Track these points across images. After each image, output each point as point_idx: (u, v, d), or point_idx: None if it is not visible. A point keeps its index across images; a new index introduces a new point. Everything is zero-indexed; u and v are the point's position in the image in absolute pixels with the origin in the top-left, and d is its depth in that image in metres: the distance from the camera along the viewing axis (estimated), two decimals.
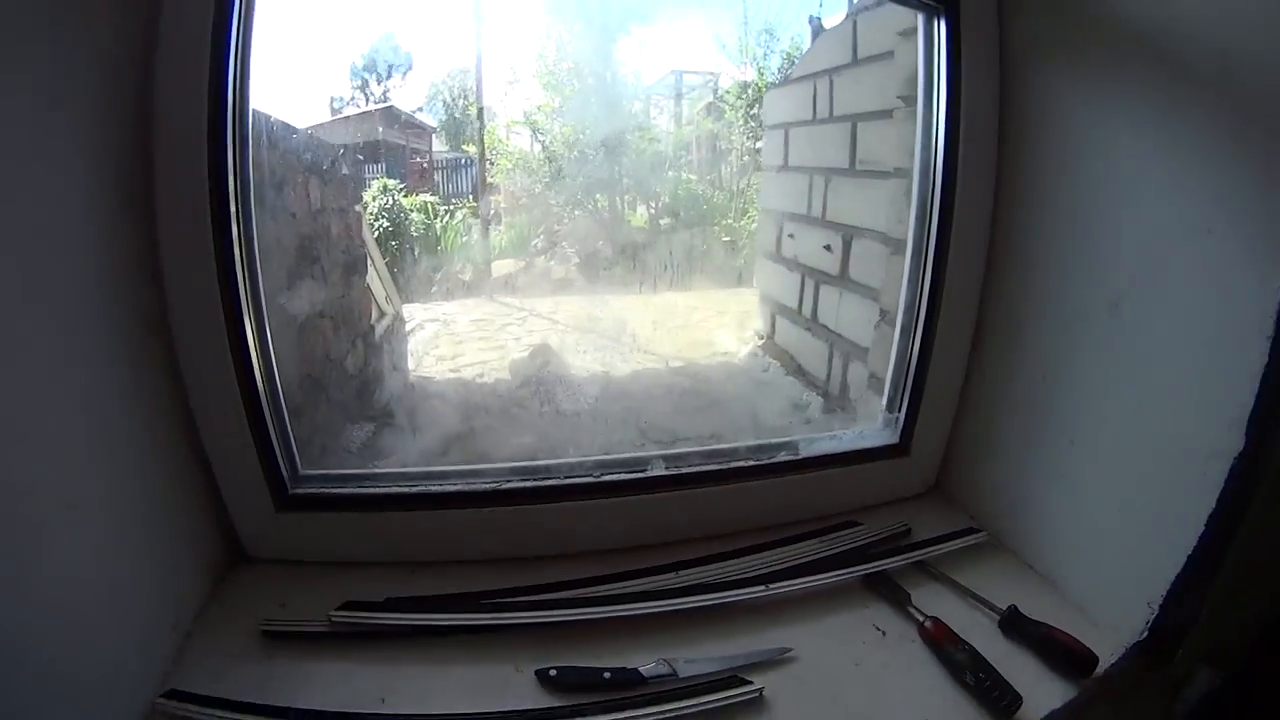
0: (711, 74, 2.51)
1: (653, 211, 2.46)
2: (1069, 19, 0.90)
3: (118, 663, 0.71)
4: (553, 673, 0.79)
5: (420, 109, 2.66)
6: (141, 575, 0.77)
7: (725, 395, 1.57)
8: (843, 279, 1.56)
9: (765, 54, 2.27)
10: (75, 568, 0.66)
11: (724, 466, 1.01)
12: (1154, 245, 0.81)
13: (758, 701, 0.77)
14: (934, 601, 0.91)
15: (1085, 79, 0.89)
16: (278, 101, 0.86)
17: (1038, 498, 0.98)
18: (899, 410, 1.09)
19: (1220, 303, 0.74)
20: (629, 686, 0.78)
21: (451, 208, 2.49)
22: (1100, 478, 0.89)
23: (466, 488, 0.95)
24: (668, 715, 0.74)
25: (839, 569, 0.94)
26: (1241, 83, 0.70)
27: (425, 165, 2.60)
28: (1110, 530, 0.87)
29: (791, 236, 1.79)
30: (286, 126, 1.28)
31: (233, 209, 0.82)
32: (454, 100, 2.60)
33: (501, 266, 2.44)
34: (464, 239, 2.42)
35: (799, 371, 1.73)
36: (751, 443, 1.04)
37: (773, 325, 1.95)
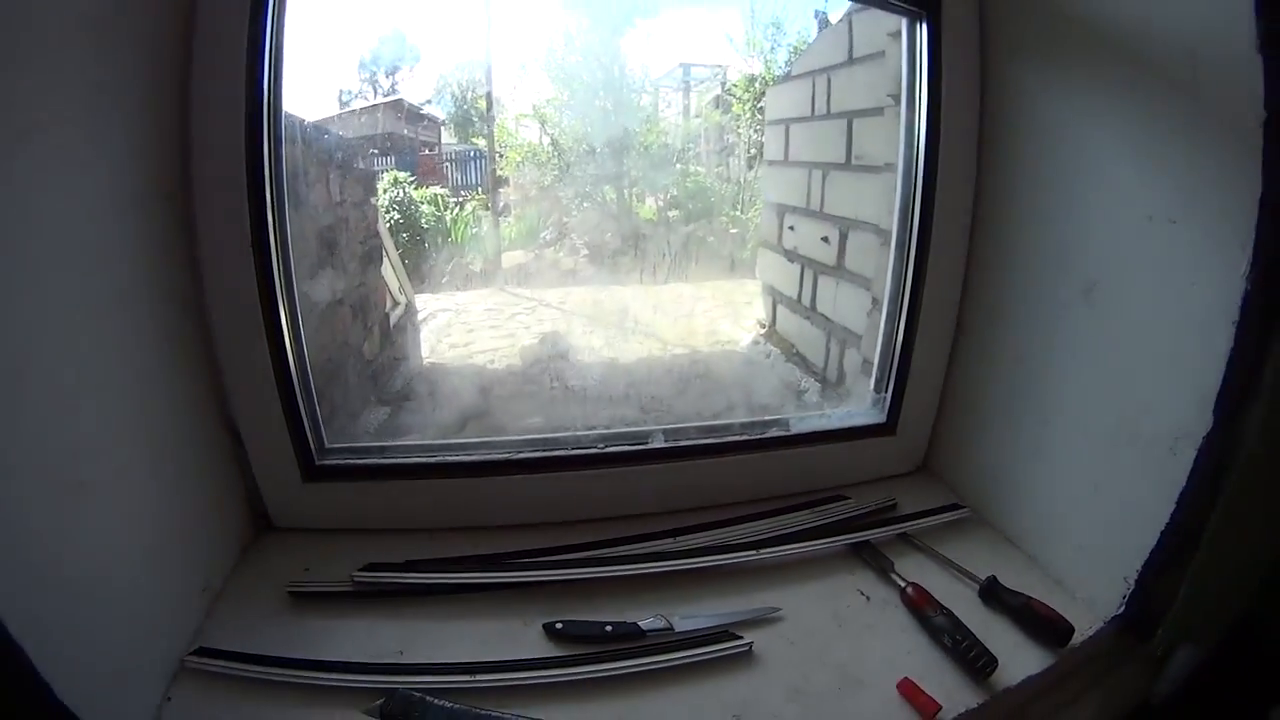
0: (719, 67, 2.54)
1: (661, 204, 2.51)
2: (1046, 21, 0.95)
3: (151, 622, 0.76)
4: (559, 626, 0.87)
5: (428, 101, 2.70)
6: (174, 541, 0.83)
7: (727, 380, 1.66)
8: (839, 269, 1.64)
9: (772, 47, 2.32)
10: (113, 532, 0.72)
11: (719, 440, 1.10)
12: (1124, 235, 0.85)
13: (747, 655, 0.85)
14: (916, 570, 0.97)
15: (1060, 78, 0.94)
16: (289, 96, 0.93)
17: (1018, 476, 1.04)
18: (885, 391, 1.17)
19: (1187, 289, 0.78)
20: (629, 639, 0.86)
21: (461, 200, 2.56)
22: (1076, 457, 0.94)
23: (482, 458, 1.04)
24: (664, 665, 0.82)
25: (826, 537, 1.02)
26: (1206, 81, 0.75)
27: (435, 158, 2.66)
28: (1087, 507, 0.92)
29: (792, 228, 1.87)
30: (313, 125, 1.38)
31: (268, 202, 0.90)
32: (462, 93, 2.64)
33: (511, 258, 2.50)
34: (474, 230, 2.48)
35: (799, 358, 1.82)
36: (745, 419, 1.12)
37: (774, 314, 2.03)
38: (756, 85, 2.37)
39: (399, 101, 2.55)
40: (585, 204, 2.41)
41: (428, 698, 0.73)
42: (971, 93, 1.05)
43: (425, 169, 2.58)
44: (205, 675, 0.79)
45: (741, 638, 0.85)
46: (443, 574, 0.94)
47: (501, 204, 2.52)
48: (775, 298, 2.03)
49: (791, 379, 1.72)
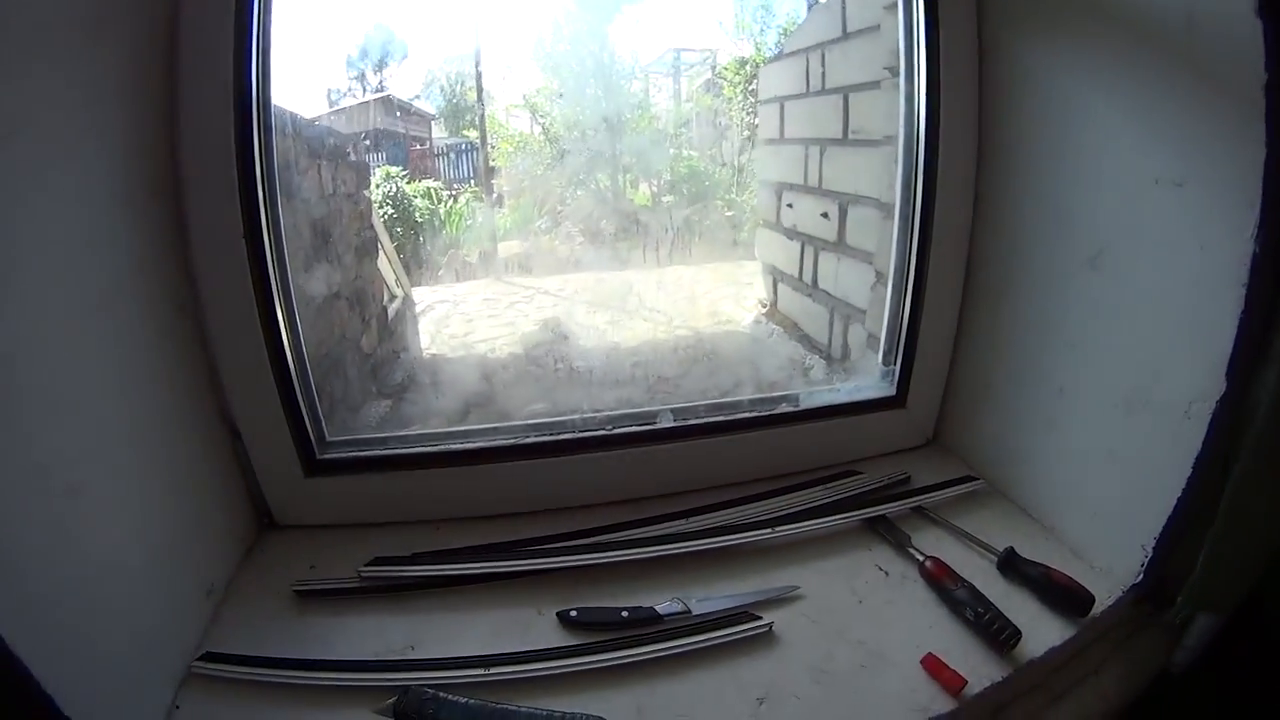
0: (709, 51, 2.52)
1: (655, 189, 2.48)
2: None
3: (154, 630, 0.74)
4: (573, 614, 0.84)
5: (418, 96, 2.68)
6: (175, 543, 0.81)
7: (730, 359, 1.63)
8: (840, 245, 1.61)
9: (762, 29, 2.29)
10: (111, 537, 0.69)
11: (729, 418, 1.07)
12: (1130, 200, 0.84)
13: (768, 636, 0.82)
14: (933, 544, 0.95)
15: (1058, 44, 0.92)
16: (279, 96, 0.91)
17: (1031, 446, 1.02)
18: (894, 363, 1.14)
19: (1196, 253, 0.76)
20: (646, 624, 0.83)
21: (454, 192, 2.53)
22: (1089, 425, 0.92)
23: (487, 444, 1.01)
24: (684, 649, 0.79)
25: (841, 513, 0.99)
26: (1206, 43, 0.73)
27: (426, 152, 2.63)
28: (1102, 476, 0.90)
29: (790, 206, 1.83)
30: (300, 117, 1.34)
31: (259, 193, 0.87)
32: (451, 86, 2.61)
33: (507, 248, 2.48)
34: (468, 222, 2.45)
35: (802, 336, 1.79)
36: (754, 395, 1.09)
37: (775, 292, 2.00)
38: (747, 68, 2.34)
39: (388, 98, 2.52)
40: (579, 191, 2.39)
41: (441, 694, 0.71)
42: (970, 62, 1.02)
43: (417, 163, 2.55)
44: (213, 681, 0.76)
45: (761, 618, 0.83)
46: (451, 565, 0.91)
47: (495, 195, 2.49)
48: (776, 276, 1.99)
49: (796, 356, 1.69)
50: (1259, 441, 0.75)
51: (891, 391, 1.15)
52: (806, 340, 1.76)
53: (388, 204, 2.29)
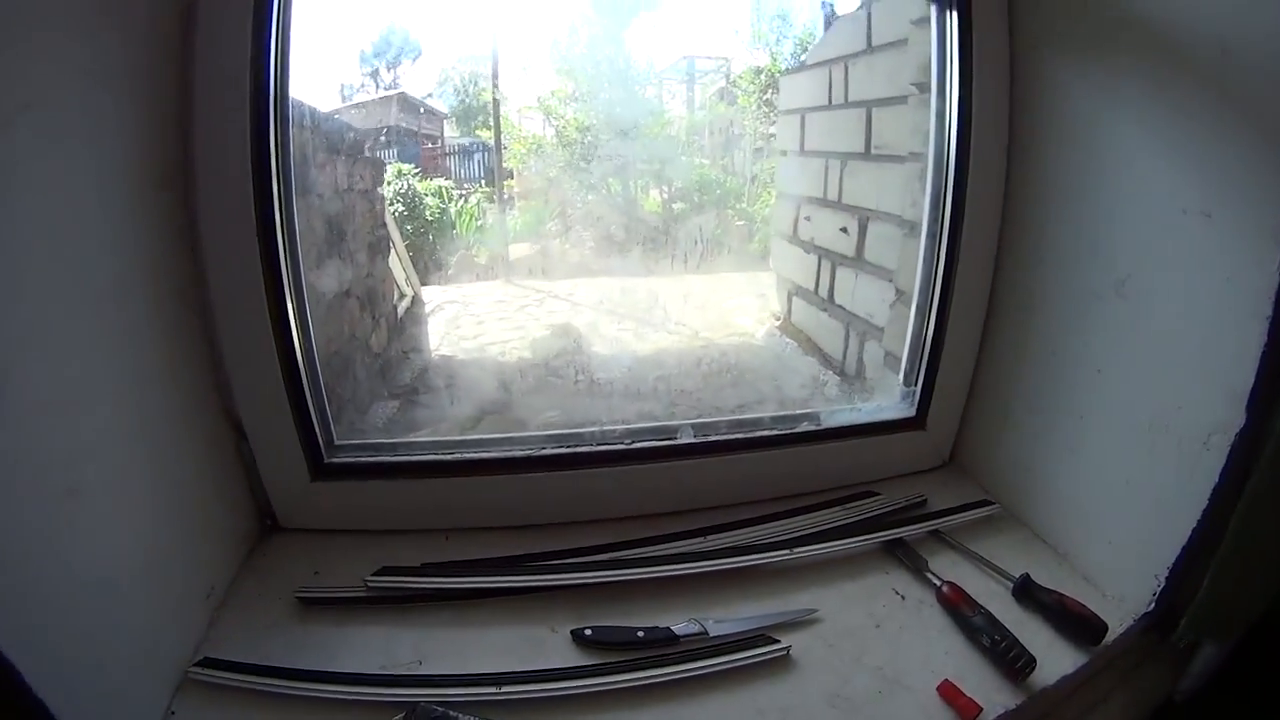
0: (724, 59, 2.50)
1: (665, 196, 2.46)
2: (1076, 10, 0.91)
3: (152, 632, 0.72)
4: (588, 632, 0.81)
5: (430, 95, 2.66)
6: (175, 544, 0.78)
7: (744, 372, 1.60)
8: (858, 260, 1.58)
9: (778, 39, 2.27)
10: (110, 537, 0.67)
11: (750, 435, 1.04)
12: (1157, 228, 0.82)
13: (785, 659, 0.80)
14: (949, 569, 0.93)
15: (1090, 67, 0.91)
16: (293, 90, 0.89)
17: (1048, 471, 1.00)
18: (915, 384, 1.12)
19: (1221, 284, 0.75)
20: (662, 645, 0.81)
21: (465, 192, 2.50)
22: (1108, 452, 0.90)
23: (502, 455, 0.98)
24: (700, 672, 0.77)
25: (859, 535, 0.97)
26: (1238, 75, 0.72)
27: (438, 150, 2.60)
28: (1118, 504, 0.89)
29: (808, 219, 1.81)
30: (318, 111, 1.31)
31: (275, 186, 0.84)
32: (465, 86, 2.59)
33: (517, 250, 2.45)
34: (479, 223, 2.43)
35: (816, 350, 1.76)
36: (776, 413, 1.07)
37: (789, 306, 1.97)
38: (762, 77, 2.32)
39: (402, 94, 2.50)
40: (590, 196, 2.36)
41: (450, 712, 0.68)
42: (1002, 82, 1.00)
43: (428, 161, 2.52)
44: (210, 687, 0.74)
45: (779, 641, 0.81)
46: (463, 578, 0.89)
47: (507, 196, 2.47)
48: (791, 289, 1.96)
49: (811, 371, 1.66)
50: (1271, 469, 0.74)
51: (911, 412, 1.13)
52: (820, 355, 1.74)
53: (398, 201, 2.26)
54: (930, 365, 1.10)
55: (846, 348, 1.60)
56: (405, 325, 1.83)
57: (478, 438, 1.01)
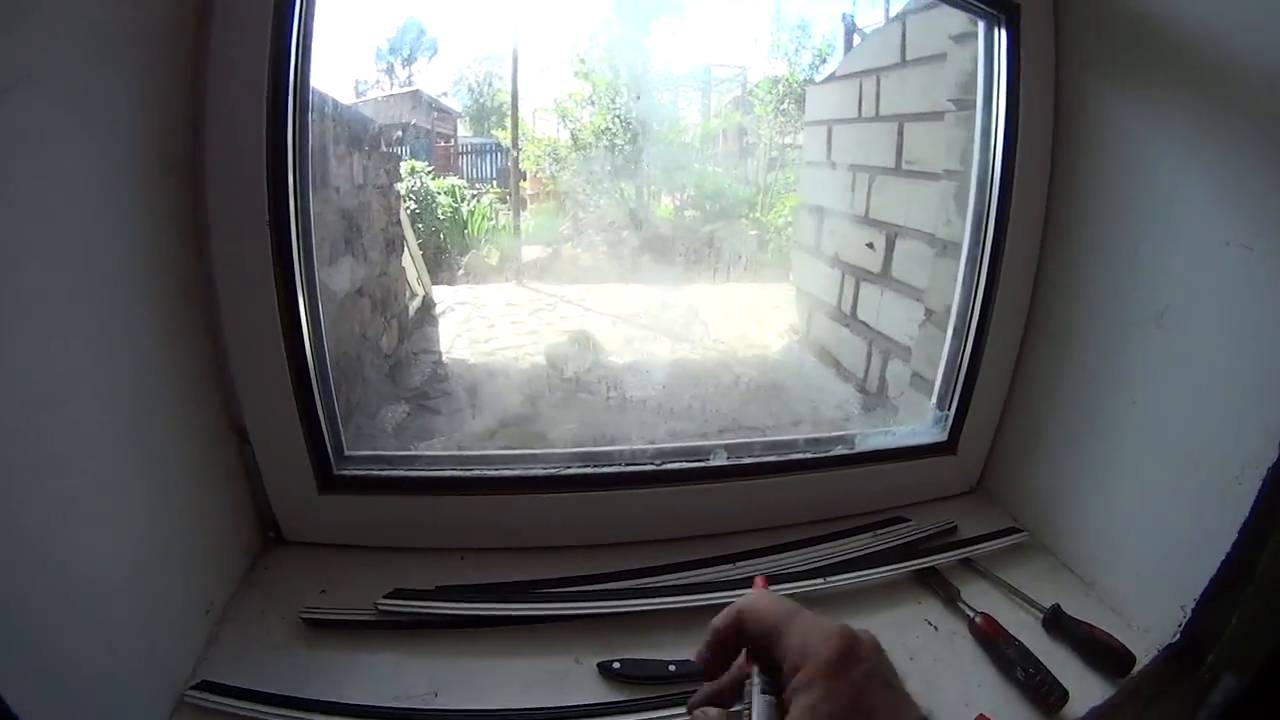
0: (741, 68, 2.46)
1: (678, 203, 2.42)
2: (1122, 36, 0.88)
3: (145, 649, 0.66)
4: (616, 665, 0.75)
5: (445, 94, 2.61)
6: (172, 556, 0.72)
7: (763, 389, 1.54)
8: (884, 277, 1.54)
9: (797, 49, 2.23)
10: (101, 550, 0.61)
11: (783, 458, 0.99)
12: (1199, 260, 0.80)
13: None
14: (980, 598, 0.89)
15: (1135, 95, 0.88)
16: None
17: (1079, 500, 0.97)
18: (948, 408, 1.07)
19: (1260, 318, 0.74)
20: (694, 679, 0.74)
21: (477, 192, 2.46)
22: (1140, 483, 0.88)
23: (524, 472, 0.92)
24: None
25: (891, 563, 0.93)
26: None
27: (451, 149, 2.56)
28: (1147, 534, 0.86)
29: (832, 232, 1.75)
30: (339, 102, 1.25)
31: (290, 176, 0.78)
32: (479, 85, 2.56)
33: (529, 252, 2.40)
34: (491, 223, 2.38)
35: (836, 366, 1.71)
36: (810, 435, 1.01)
37: (809, 320, 1.92)
38: (780, 87, 2.28)
39: (416, 92, 2.46)
40: (602, 200, 2.32)
41: None
42: (1046, 103, 0.97)
43: (441, 160, 2.49)
44: (207, 713, 0.67)
45: None
46: (481, 604, 0.82)
47: (520, 196, 2.42)
48: (811, 303, 1.90)
49: (831, 387, 1.60)
50: None
51: (944, 437, 1.08)
52: (841, 371, 1.68)
53: (410, 198, 2.21)
54: (965, 389, 1.05)
55: (868, 365, 1.55)
56: (416, 326, 1.77)
57: (498, 453, 0.95)
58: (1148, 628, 0.83)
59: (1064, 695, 0.74)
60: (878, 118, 1.58)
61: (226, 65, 0.72)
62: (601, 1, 2.24)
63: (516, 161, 2.38)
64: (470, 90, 2.60)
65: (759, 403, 1.33)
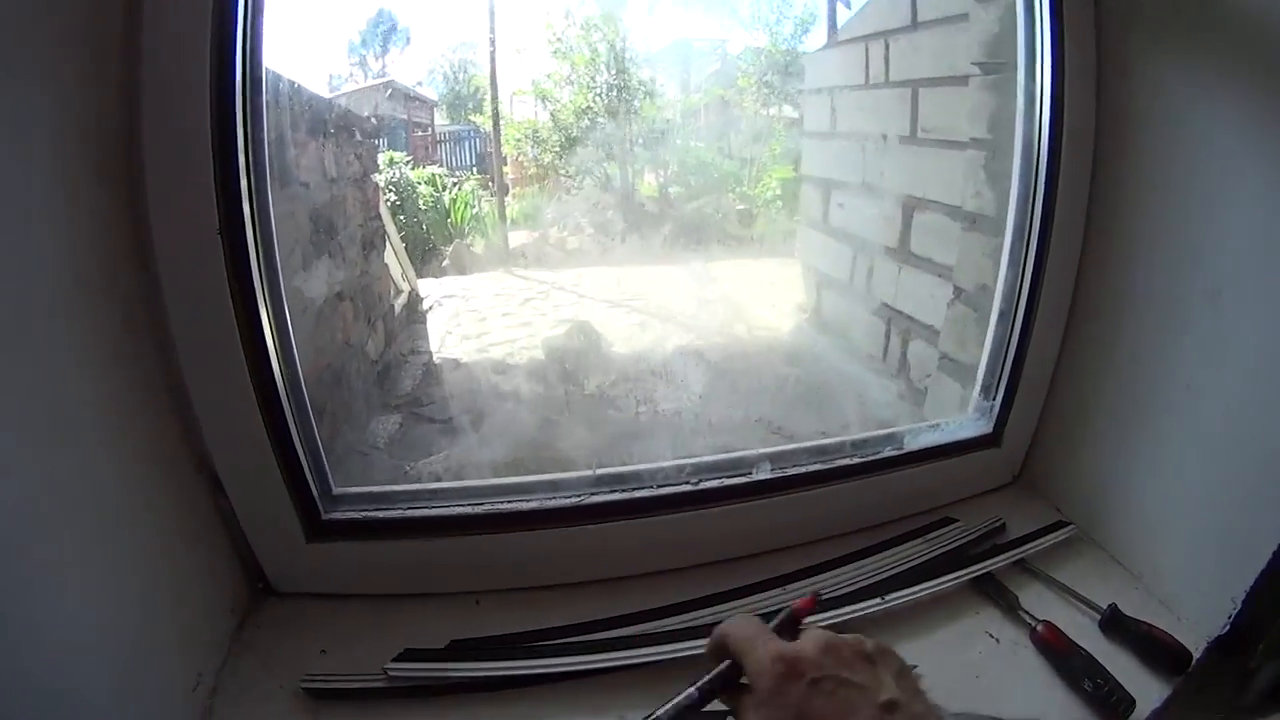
0: (720, 40, 2.32)
1: (662, 179, 2.29)
2: None
3: None
4: None
5: (420, 83, 2.53)
6: (148, 628, 0.60)
7: (772, 374, 1.41)
8: (902, 252, 1.41)
9: (778, 19, 2.09)
10: (68, 632, 0.51)
11: (829, 465, 0.87)
12: (1258, 238, 0.72)
13: None
14: (1037, 602, 0.81)
15: (1183, 58, 0.79)
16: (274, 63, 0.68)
17: (1129, 490, 0.88)
18: (994, 398, 0.96)
19: None
20: None
21: (459, 179, 2.32)
22: (1192, 471, 0.80)
23: (542, 504, 0.79)
24: None
25: (947, 573, 0.82)
26: None
27: (429, 138, 2.44)
28: (1197, 524, 0.80)
29: (841, 205, 1.61)
30: (301, 86, 1.07)
31: (242, 171, 0.64)
32: (455, 73, 2.46)
33: (515, 238, 2.25)
34: (474, 210, 2.24)
35: (848, 346, 1.57)
36: (856, 436, 0.89)
37: (818, 298, 1.77)
38: (762, 58, 2.14)
39: (391, 83, 2.37)
40: (586, 180, 2.18)
41: None
42: (1088, 66, 0.85)
43: (419, 149, 2.37)
44: None
45: None
46: (504, 663, 0.69)
47: (502, 181, 2.28)
48: (819, 280, 1.76)
49: (850, 372, 1.47)
50: None
51: (989, 429, 0.97)
52: (854, 351, 1.55)
53: (390, 190, 2.07)
54: (1012, 378, 0.94)
55: (887, 345, 1.42)
56: (403, 325, 1.60)
57: (509, 482, 0.80)
58: (1196, 619, 0.78)
59: (1131, 704, 0.68)
60: (888, 83, 1.44)
61: (161, 47, 0.59)
62: None
63: (499, 144, 2.23)
64: (445, 78, 2.50)
65: (764, 394, 1.20)
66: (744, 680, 0.41)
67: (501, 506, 0.78)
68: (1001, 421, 0.97)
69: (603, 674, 0.69)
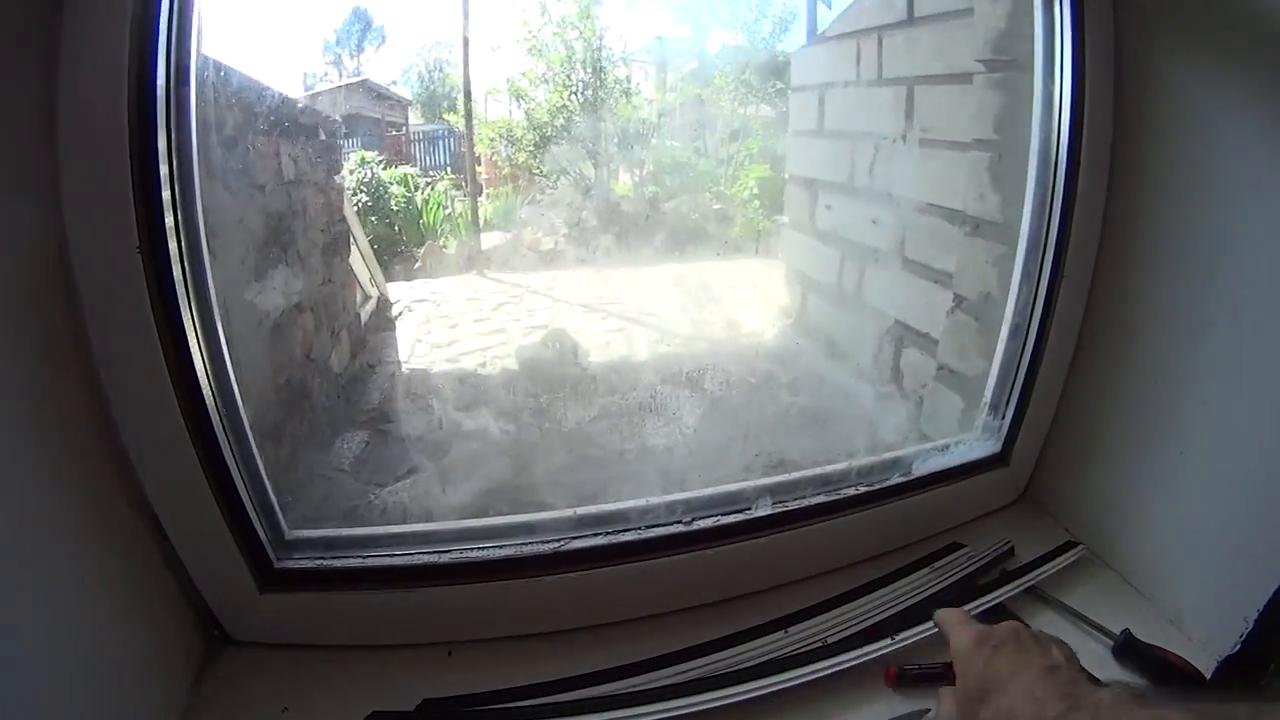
0: (698, 38, 2.23)
1: (637, 179, 2.20)
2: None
3: None
4: None
5: (394, 83, 2.44)
6: (94, 696, 0.53)
7: (749, 382, 1.31)
8: (896, 257, 1.32)
9: (756, 18, 2.00)
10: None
11: (835, 497, 0.79)
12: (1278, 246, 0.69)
13: None
14: (1049, 630, 0.71)
15: (1206, 64, 0.74)
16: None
17: (1141, 509, 0.83)
18: (1003, 416, 0.89)
19: None
20: None
21: (431, 179, 2.21)
22: (1207, 491, 0.76)
23: (517, 552, 0.69)
24: None
25: (957, 606, 0.72)
26: None
27: (402, 138, 2.33)
28: (1213, 543, 0.76)
29: (828, 208, 1.52)
30: (248, 78, 0.94)
31: (168, 190, 0.55)
32: (429, 72, 2.35)
33: (488, 239, 2.14)
34: (446, 211, 2.12)
35: (836, 353, 1.48)
36: (862, 463, 0.81)
37: (803, 303, 1.68)
38: (740, 57, 2.05)
39: (365, 82, 2.28)
40: (561, 180, 2.08)
41: None
42: (1107, 69, 0.79)
43: (392, 149, 2.26)
44: None
45: None
46: None
47: (476, 181, 2.17)
48: (805, 285, 1.67)
49: (830, 376, 1.38)
50: None
51: (997, 448, 0.90)
52: (841, 358, 1.45)
53: (362, 191, 1.94)
54: (1023, 396, 0.87)
55: (879, 352, 1.33)
56: (371, 332, 1.48)
57: (478, 525, 0.70)
58: (1207, 639, 0.74)
59: None
60: (880, 81, 1.35)
61: (76, 40, 0.50)
62: None
63: (472, 143, 2.11)
64: (420, 77, 2.40)
65: (742, 408, 1.10)
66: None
67: (471, 554, 0.68)
68: (1010, 440, 0.90)
69: None
